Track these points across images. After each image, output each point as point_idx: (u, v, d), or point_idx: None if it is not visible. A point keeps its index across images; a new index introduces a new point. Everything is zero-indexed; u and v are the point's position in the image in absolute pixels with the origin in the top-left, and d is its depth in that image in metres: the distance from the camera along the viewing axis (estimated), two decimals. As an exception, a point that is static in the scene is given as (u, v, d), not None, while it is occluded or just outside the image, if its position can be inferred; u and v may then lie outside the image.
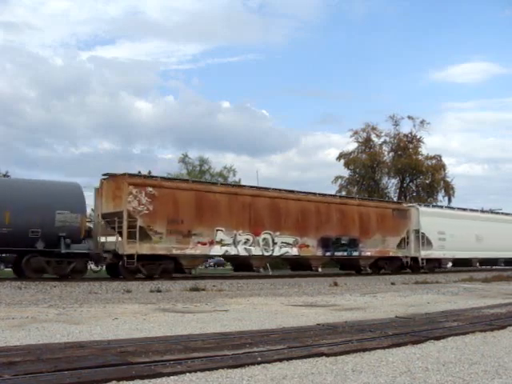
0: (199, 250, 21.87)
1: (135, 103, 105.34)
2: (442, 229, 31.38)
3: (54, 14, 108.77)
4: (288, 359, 5.22)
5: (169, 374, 4.50)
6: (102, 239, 20.50)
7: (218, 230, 22.37)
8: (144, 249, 20.18)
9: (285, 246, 24.71)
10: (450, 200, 51.47)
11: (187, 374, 4.56)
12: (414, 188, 53.65)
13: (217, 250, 22.65)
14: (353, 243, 27.36)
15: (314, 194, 27.39)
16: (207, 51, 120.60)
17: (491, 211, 39.27)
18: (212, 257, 28.83)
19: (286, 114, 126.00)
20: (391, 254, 29.37)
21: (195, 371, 4.64)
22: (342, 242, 26.93)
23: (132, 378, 4.33)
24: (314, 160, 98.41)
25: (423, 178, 52.55)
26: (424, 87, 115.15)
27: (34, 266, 18.30)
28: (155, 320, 8.61)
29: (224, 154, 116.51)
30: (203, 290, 15.52)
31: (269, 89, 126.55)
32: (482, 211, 38.43)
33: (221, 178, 48.64)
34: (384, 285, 19.92)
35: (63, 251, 18.42)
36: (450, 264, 33.98)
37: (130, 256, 19.76)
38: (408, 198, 52.32)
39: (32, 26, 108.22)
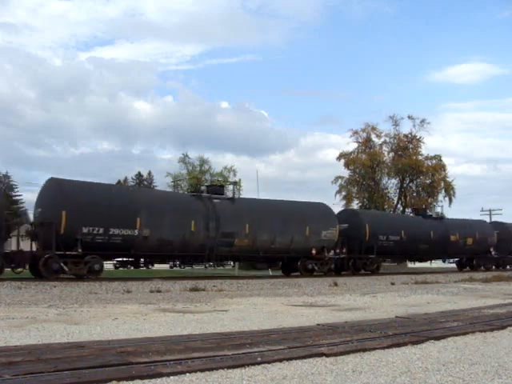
0: None
1: (134, 104, 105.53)
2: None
3: (53, 15, 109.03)
4: (288, 359, 5.22)
5: (169, 374, 4.50)
6: None
7: None
8: None
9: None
10: (450, 200, 51.45)
11: (187, 374, 4.56)
12: (414, 188, 53.56)
13: None
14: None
15: None
16: (206, 52, 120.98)
17: None
18: None
19: (284, 115, 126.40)
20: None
21: (195, 371, 4.64)
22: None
23: (132, 378, 4.33)
24: (313, 160, 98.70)
25: (423, 179, 52.45)
26: (423, 88, 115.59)
27: None
28: (155, 320, 8.60)
29: (223, 155, 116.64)
30: (203, 290, 15.52)
31: (267, 89, 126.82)
32: None
33: (221, 178, 48.57)
34: (384, 285, 19.92)
35: None
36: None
37: None
38: (408, 198, 52.32)
39: (31, 27, 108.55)
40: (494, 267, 35.63)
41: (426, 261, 37.41)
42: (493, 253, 35.34)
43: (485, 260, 35.24)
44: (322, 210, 27.12)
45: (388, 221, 31.66)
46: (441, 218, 36.33)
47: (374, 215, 32.61)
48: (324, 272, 25.59)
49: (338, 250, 26.76)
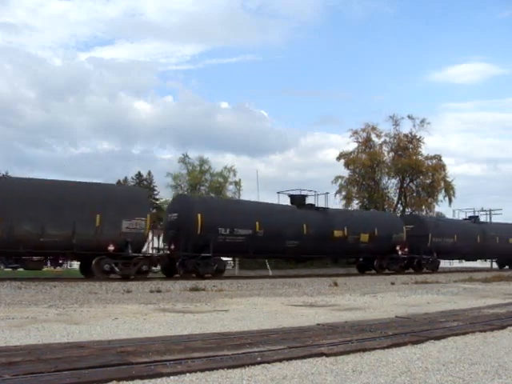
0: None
1: (134, 104, 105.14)
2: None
3: (53, 15, 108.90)
4: (288, 359, 5.22)
5: (169, 374, 4.50)
6: None
7: None
8: None
9: None
10: (450, 200, 51.48)
11: (187, 374, 4.56)
12: (414, 188, 53.63)
13: None
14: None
15: None
16: (206, 52, 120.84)
17: None
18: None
19: (284, 115, 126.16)
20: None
21: (195, 371, 4.64)
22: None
23: (132, 378, 4.33)
24: (313, 160, 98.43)
25: (423, 178, 52.51)
26: (423, 88, 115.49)
27: None
28: (155, 320, 8.60)
29: (223, 155, 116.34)
30: (203, 290, 15.52)
31: (267, 89, 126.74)
32: None
33: (221, 179, 48.61)
34: (384, 285, 19.92)
35: None
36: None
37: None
38: (408, 198, 52.37)
39: (31, 27, 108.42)
40: (411, 269, 30.21)
41: (300, 261, 31.05)
42: (400, 252, 29.30)
43: (389, 261, 29.25)
44: (123, 194, 21.68)
45: (235, 210, 24.32)
46: (324, 208, 29.00)
47: (213, 202, 25.57)
48: (131, 274, 19.92)
49: (166, 247, 22.17)
